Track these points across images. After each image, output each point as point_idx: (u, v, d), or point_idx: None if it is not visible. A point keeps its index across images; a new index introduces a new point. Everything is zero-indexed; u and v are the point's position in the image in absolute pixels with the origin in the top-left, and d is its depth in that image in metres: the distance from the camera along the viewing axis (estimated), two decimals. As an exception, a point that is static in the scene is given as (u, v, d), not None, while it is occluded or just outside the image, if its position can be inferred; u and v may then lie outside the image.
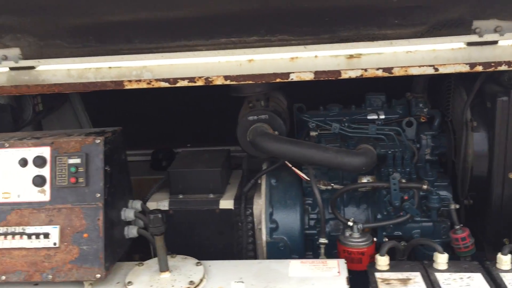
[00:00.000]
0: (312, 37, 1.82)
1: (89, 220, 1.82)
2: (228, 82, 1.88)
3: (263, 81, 1.87)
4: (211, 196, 2.31)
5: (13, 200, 1.86)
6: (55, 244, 1.81)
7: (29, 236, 1.82)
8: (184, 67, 1.95)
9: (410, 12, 1.71)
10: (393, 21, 1.73)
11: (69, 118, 3.28)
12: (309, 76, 1.84)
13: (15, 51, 1.93)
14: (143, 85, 1.93)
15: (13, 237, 1.83)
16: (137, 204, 2.09)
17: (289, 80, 1.87)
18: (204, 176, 2.31)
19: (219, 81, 1.89)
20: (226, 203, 2.28)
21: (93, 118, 3.40)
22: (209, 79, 1.89)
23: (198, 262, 1.91)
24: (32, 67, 2.02)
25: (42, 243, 1.82)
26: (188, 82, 1.90)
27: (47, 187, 1.85)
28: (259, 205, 2.26)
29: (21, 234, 1.83)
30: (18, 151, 1.89)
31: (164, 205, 2.31)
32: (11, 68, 2.05)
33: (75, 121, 3.33)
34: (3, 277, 1.82)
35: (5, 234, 1.83)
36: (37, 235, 1.82)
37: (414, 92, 2.35)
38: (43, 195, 1.85)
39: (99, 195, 1.82)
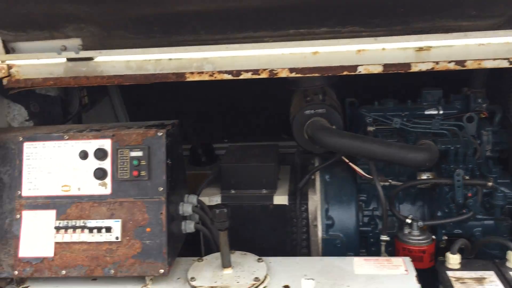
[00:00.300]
0: (383, 29, 1.76)
1: (151, 214, 1.78)
2: (293, 74, 1.84)
3: (330, 74, 1.82)
4: (264, 191, 2.27)
5: (73, 193, 1.83)
6: (117, 238, 1.77)
7: (91, 230, 1.78)
8: (247, 59, 1.90)
9: (489, 3, 1.65)
10: (471, 13, 1.67)
11: (107, 112, 3.26)
12: (378, 69, 1.80)
13: (76, 42, 1.88)
14: (205, 77, 1.89)
15: (74, 231, 1.79)
16: (193, 199, 2.04)
17: (357, 73, 1.82)
18: (258, 171, 2.27)
19: (284, 74, 1.85)
20: (280, 199, 2.24)
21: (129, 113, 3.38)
22: (274, 72, 1.85)
23: (259, 259, 1.87)
24: (91, 58, 1.98)
25: (104, 237, 1.78)
26: (252, 74, 1.86)
27: (108, 180, 1.82)
28: (314, 201, 2.22)
29: (82, 227, 1.79)
30: (78, 143, 1.85)
31: (216, 200, 2.27)
32: (69, 59, 2.00)
33: (113, 115, 3.30)
34: (63, 272, 1.78)
35: (66, 228, 1.80)
36: (99, 229, 1.78)
37: (472, 87, 2.29)
38: (104, 188, 1.82)
39: (161, 188, 1.79)
